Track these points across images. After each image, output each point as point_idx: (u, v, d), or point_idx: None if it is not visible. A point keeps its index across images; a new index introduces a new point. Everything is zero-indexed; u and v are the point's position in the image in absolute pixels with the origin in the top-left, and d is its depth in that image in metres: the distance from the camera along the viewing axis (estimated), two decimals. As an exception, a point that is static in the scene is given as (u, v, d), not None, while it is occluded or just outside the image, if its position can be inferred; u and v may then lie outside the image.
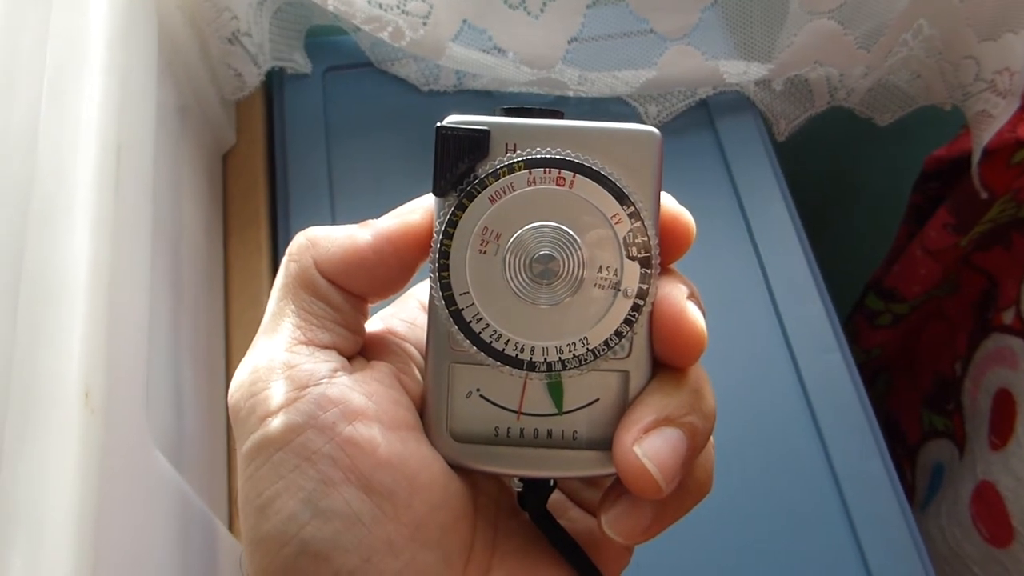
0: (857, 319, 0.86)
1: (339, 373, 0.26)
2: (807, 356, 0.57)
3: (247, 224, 0.61)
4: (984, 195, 0.66)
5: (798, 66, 0.64)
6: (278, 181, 0.63)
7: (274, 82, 0.66)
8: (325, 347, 0.27)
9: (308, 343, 0.27)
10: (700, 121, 0.66)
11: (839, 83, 0.67)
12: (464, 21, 0.59)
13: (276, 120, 0.65)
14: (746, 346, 0.58)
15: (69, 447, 0.28)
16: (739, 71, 0.64)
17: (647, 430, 0.26)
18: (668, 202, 0.27)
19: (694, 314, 0.26)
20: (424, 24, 0.58)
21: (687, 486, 0.27)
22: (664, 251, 0.27)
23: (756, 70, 0.64)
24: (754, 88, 0.66)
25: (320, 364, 0.26)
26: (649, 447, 0.25)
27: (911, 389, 0.85)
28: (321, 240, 0.27)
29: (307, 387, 0.26)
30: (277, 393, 0.26)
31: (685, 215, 0.27)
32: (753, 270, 0.60)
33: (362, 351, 0.29)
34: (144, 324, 0.37)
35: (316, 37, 0.67)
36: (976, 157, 0.65)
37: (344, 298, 0.27)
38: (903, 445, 0.84)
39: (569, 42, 0.60)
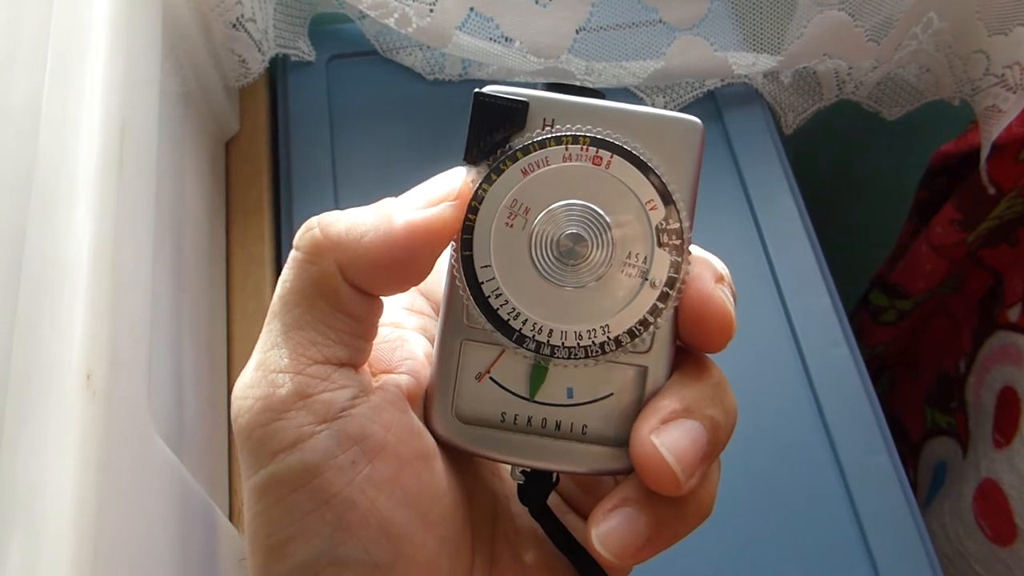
0: (861, 315, 0.85)
1: (357, 401, 0.25)
2: (814, 349, 0.57)
3: (250, 212, 0.60)
4: (991, 191, 0.66)
5: (807, 58, 0.63)
6: (281, 169, 0.62)
7: (278, 69, 0.66)
8: (342, 365, 0.25)
9: (325, 362, 0.25)
10: (707, 113, 0.65)
11: (847, 76, 0.66)
12: (471, 9, 0.59)
13: (280, 108, 0.65)
14: (753, 339, 0.57)
15: (70, 429, 0.28)
16: (748, 63, 0.63)
17: (666, 420, 0.25)
18: (713, 294, 0.26)
19: (722, 297, 0.25)
20: (431, 11, 0.58)
21: (688, 506, 0.25)
22: (701, 342, 0.26)
23: (765, 62, 0.63)
24: (762, 80, 0.65)
25: (338, 392, 0.24)
26: (668, 437, 0.24)
27: (914, 386, 0.84)
28: (345, 240, 0.24)
29: (324, 421, 0.24)
30: (292, 425, 0.24)
31: (727, 309, 0.26)
32: (760, 263, 0.60)
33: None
34: (147, 308, 0.36)
35: (320, 25, 0.66)
36: (985, 152, 0.64)
37: (365, 303, 0.25)
38: (906, 442, 0.83)
39: (577, 31, 0.60)
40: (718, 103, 0.66)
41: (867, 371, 0.58)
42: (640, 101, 0.65)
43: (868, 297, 0.84)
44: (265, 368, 0.25)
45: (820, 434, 0.55)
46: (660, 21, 0.62)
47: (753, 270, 0.60)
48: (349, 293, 0.25)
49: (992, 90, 0.62)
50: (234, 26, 0.57)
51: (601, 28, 0.63)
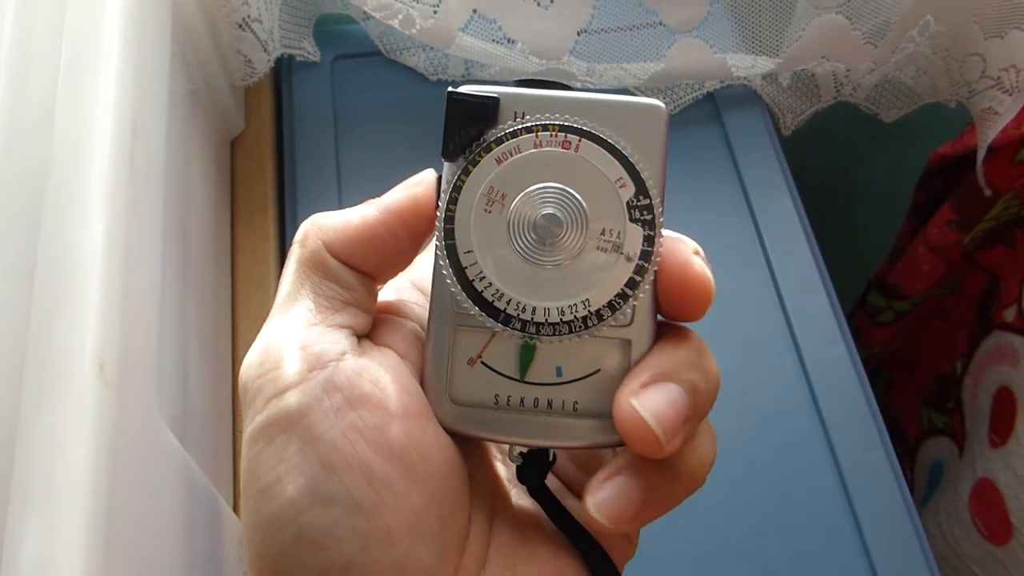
0: (859, 316, 0.86)
1: (347, 356, 0.26)
2: (812, 349, 0.57)
3: (255, 210, 0.61)
4: (988, 192, 0.67)
5: (805, 60, 0.64)
6: (286, 168, 0.63)
7: (283, 70, 0.66)
8: (338, 327, 0.27)
9: (320, 324, 0.27)
10: (707, 114, 0.66)
11: (845, 78, 0.67)
12: (474, 10, 0.60)
13: (284, 107, 0.65)
14: (751, 338, 0.58)
15: (84, 418, 0.28)
16: (746, 65, 0.64)
17: (646, 385, 0.26)
18: (691, 261, 0.27)
19: (700, 264, 0.26)
20: (434, 13, 0.58)
21: (679, 473, 0.26)
22: (682, 309, 0.27)
23: (763, 64, 0.64)
24: (761, 82, 0.66)
25: (330, 345, 0.26)
26: (646, 400, 0.25)
27: (911, 387, 0.85)
28: (329, 222, 0.28)
29: (314, 369, 0.26)
30: (285, 373, 0.26)
31: (706, 275, 0.27)
32: (759, 263, 0.60)
33: (371, 333, 0.29)
34: (156, 301, 0.37)
35: (325, 25, 0.67)
36: (981, 154, 0.65)
37: (355, 277, 0.28)
38: (902, 443, 0.84)
39: (578, 33, 0.61)
40: (717, 105, 0.66)
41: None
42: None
43: (866, 298, 0.85)
44: (267, 330, 0.27)
45: (818, 432, 0.55)
46: (660, 23, 0.62)
47: (752, 270, 0.60)
48: (337, 265, 0.27)
49: (988, 92, 0.63)
50: (240, 26, 0.58)
51: (602, 30, 0.64)
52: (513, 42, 0.61)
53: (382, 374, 0.27)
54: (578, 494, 0.30)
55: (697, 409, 0.26)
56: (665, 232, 0.27)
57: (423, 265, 0.31)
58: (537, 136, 0.26)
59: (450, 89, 0.27)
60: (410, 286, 0.31)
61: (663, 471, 0.26)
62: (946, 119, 0.72)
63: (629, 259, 0.26)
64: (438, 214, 0.27)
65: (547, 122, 0.26)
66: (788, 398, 0.56)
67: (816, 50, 0.63)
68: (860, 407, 0.56)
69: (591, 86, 0.64)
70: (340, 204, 0.61)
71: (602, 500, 0.26)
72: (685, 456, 0.26)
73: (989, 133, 0.63)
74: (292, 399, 0.25)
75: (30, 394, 0.29)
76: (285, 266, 0.28)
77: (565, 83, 0.28)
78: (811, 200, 0.65)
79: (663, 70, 0.63)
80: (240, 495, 0.26)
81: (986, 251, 0.74)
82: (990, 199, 0.67)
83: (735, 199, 0.63)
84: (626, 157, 0.26)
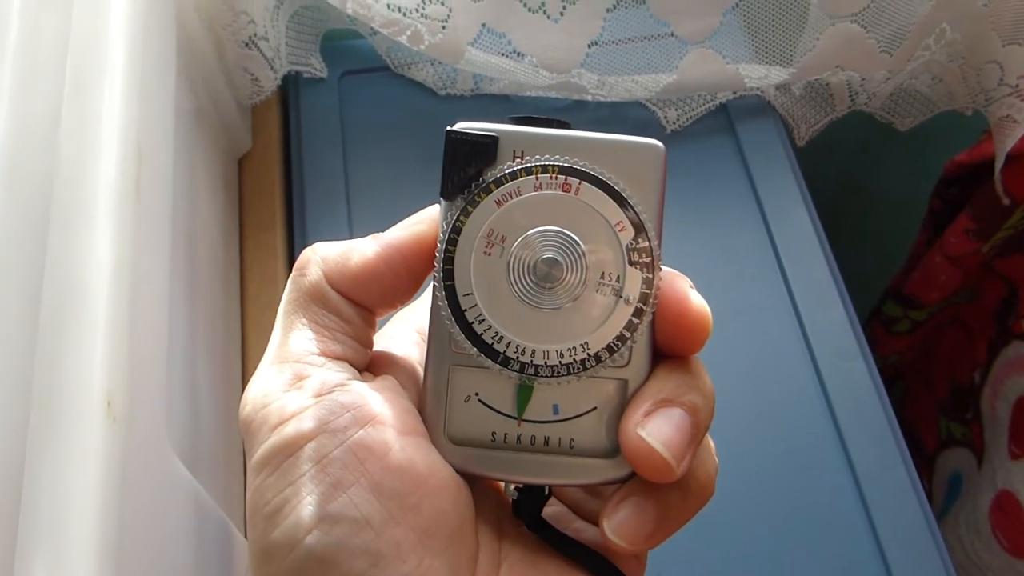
0: (874, 326, 0.85)
1: (352, 381, 0.27)
2: (829, 363, 0.56)
3: (263, 229, 0.60)
4: (1006, 201, 0.66)
5: (819, 70, 0.63)
6: (294, 185, 0.62)
7: (290, 86, 0.66)
8: (338, 358, 0.27)
9: (322, 354, 0.27)
10: (720, 126, 0.65)
11: (860, 87, 0.66)
12: (483, 25, 0.59)
13: (292, 124, 0.65)
14: (767, 352, 0.57)
15: (91, 456, 0.28)
16: (759, 75, 0.63)
17: (648, 413, 0.26)
18: (689, 294, 0.27)
19: (698, 297, 0.27)
20: (443, 28, 0.58)
21: (689, 487, 0.27)
22: (681, 344, 0.27)
23: (777, 74, 0.63)
24: (774, 92, 0.65)
25: (333, 374, 0.27)
26: (653, 427, 0.26)
27: (928, 397, 0.84)
28: (330, 254, 0.28)
29: (320, 395, 0.26)
30: (290, 403, 0.26)
31: (704, 307, 0.27)
32: (774, 275, 0.60)
33: (369, 366, 0.29)
34: (164, 331, 0.37)
35: (332, 41, 0.66)
36: (999, 163, 0.64)
37: (355, 311, 0.28)
38: (920, 453, 0.83)
39: (589, 46, 0.60)
40: (730, 116, 0.66)
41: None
42: (652, 114, 0.65)
43: (881, 307, 0.84)
44: (267, 364, 0.27)
45: (836, 447, 0.54)
46: (672, 35, 0.62)
47: (767, 282, 0.60)
48: (337, 299, 0.28)
49: (1006, 100, 0.62)
50: (247, 45, 0.57)
51: (613, 42, 0.63)
52: (523, 56, 0.61)
53: (387, 395, 0.27)
54: (584, 516, 0.30)
55: (699, 428, 0.26)
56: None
57: (419, 306, 0.32)
58: (537, 178, 0.26)
59: (449, 128, 0.27)
60: (407, 328, 0.31)
61: (675, 489, 0.27)
62: (962, 127, 0.71)
63: (628, 302, 0.26)
64: (436, 254, 0.27)
65: (547, 163, 0.27)
66: (806, 414, 0.56)
67: (831, 59, 0.62)
68: (879, 421, 0.55)
69: (602, 99, 0.64)
70: (349, 220, 0.61)
71: (618, 522, 0.26)
72: (694, 471, 0.27)
73: (1007, 141, 0.62)
74: (298, 425, 0.25)
75: (37, 430, 0.28)
76: (285, 293, 0.28)
77: (563, 120, 0.28)
78: (825, 209, 0.64)
79: (675, 81, 0.62)
80: (246, 522, 0.26)
81: (1004, 260, 0.73)
82: (1008, 208, 0.66)
83: (749, 211, 0.62)
84: (625, 200, 0.27)
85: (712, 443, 0.29)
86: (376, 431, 0.26)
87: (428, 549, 0.25)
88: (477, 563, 0.27)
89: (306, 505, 0.25)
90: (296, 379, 0.26)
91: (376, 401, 0.26)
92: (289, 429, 0.25)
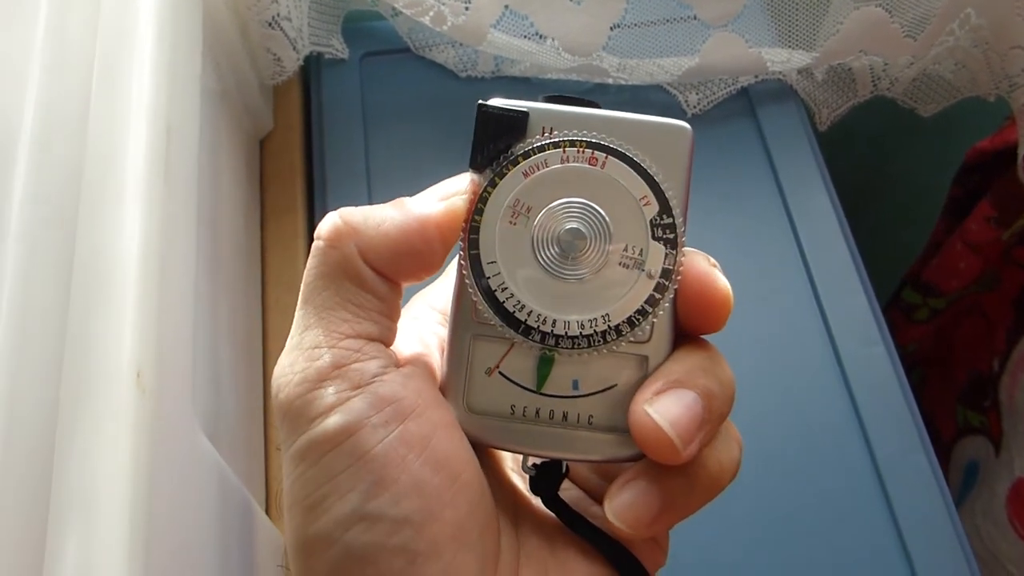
0: (893, 313, 0.85)
1: (389, 369, 0.26)
2: (850, 349, 0.56)
3: (284, 209, 0.61)
4: (1029, 188, 0.65)
5: (843, 55, 0.63)
6: (315, 166, 0.63)
7: (311, 67, 0.66)
8: (373, 339, 0.27)
9: (356, 336, 0.27)
10: (741, 110, 0.65)
11: (883, 72, 0.65)
12: (505, 7, 0.59)
13: (313, 105, 0.65)
14: (788, 338, 0.57)
15: (122, 427, 0.28)
16: (782, 59, 0.63)
17: (659, 392, 0.26)
18: (712, 271, 0.27)
19: (720, 276, 0.27)
20: (466, 9, 0.58)
21: (698, 477, 0.26)
22: (703, 321, 0.27)
23: (800, 58, 0.63)
24: (796, 76, 0.65)
25: (370, 361, 0.26)
26: (661, 406, 0.26)
27: (946, 385, 0.84)
28: (363, 227, 0.27)
29: (359, 386, 0.26)
30: (329, 393, 0.25)
31: (726, 286, 0.27)
32: (795, 261, 0.59)
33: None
34: (190, 307, 0.37)
35: (353, 23, 0.66)
36: (1022, 149, 0.63)
37: (387, 286, 0.27)
38: (937, 441, 0.83)
39: (611, 28, 0.60)
40: (752, 100, 0.65)
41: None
42: (674, 98, 0.64)
43: (900, 295, 0.84)
44: (301, 347, 0.26)
45: (856, 433, 0.54)
46: (694, 18, 0.61)
47: (788, 268, 0.59)
48: (371, 275, 0.27)
49: (1030, 87, 0.62)
50: (270, 24, 0.58)
51: (635, 25, 0.63)
52: (544, 38, 0.61)
53: (421, 384, 0.27)
54: (600, 501, 0.30)
55: (712, 414, 0.26)
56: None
57: (439, 285, 0.32)
58: (564, 151, 0.27)
59: (480, 101, 0.27)
60: (428, 308, 0.31)
61: (681, 476, 0.26)
62: (985, 113, 0.70)
63: (650, 276, 0.27)
64: (464, 224, 0.27)
65: (575, 138, 0.27)
66: (826, 400, 0.55)
67: (854, 44, 0.61)
68: (899, 408, 0.55)
69: (623, 82, 0.63)
70: (370, 201, 0.60)
71: (620, 504, 0.26)
72: (704, 460, 0.27)
73: (1031, 128, 0.62)
74: (339, 418, 0.25)
75: (68, 404, 0.28)
76: (312, 263, 0.27)
77: (593, 101, 0.28)
78: (845, 194, 0.64)
79: (697, 65, 0.62)
80: (283, 513, 0.26)
81: (1025, 248, 0.73)
82: (1030, 195, 0.66)
83: (770, 196, 0.62)
84: (651, 176, 0.27)
85: (737, 437, 0.28)
86: (415, 426, 0.26)
87: (461, 544, 0.25)
88: (500, 552, 0.27)
89: (346, 502, 0.25)
90: (334, 367, 0.26)
91: (414, 393, 0.26)
92: (330, 422, 0.25)
